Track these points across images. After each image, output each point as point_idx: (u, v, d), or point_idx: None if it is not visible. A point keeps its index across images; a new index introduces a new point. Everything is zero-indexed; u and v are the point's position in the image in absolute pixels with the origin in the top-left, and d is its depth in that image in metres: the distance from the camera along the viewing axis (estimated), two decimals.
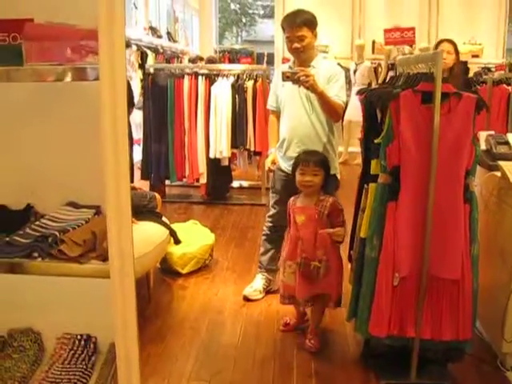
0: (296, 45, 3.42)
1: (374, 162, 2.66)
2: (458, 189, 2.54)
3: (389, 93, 2.58)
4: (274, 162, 3.73)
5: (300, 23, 3.39)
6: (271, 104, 3.78)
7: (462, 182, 2.55)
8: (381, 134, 2.60)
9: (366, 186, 2.79)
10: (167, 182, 6.66)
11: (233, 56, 12.87)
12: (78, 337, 2.35)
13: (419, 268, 2.59)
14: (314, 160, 3.09)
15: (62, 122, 2.18)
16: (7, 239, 1.81)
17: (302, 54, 3.47)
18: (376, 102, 2.65)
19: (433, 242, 2.55)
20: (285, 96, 3.60)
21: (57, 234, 1.78)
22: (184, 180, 6.52)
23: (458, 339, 2.67)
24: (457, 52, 4.26)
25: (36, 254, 1.75)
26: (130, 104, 6.46)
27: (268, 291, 3.85)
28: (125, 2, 1.53)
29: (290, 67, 3.55)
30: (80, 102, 2.04)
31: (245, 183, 7.41)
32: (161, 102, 6.20)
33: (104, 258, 1.69)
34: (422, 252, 2.57)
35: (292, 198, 3.24)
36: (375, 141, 2.63)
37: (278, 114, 3.73)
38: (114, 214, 1.62)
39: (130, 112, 6.53)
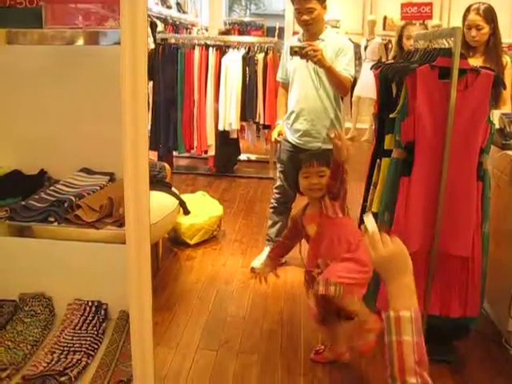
0: (305, 17, 3.39)
1: (388, 137, 2.65)
2: (471, 166, 2.53)
3: (405, 68, 2.55)
4: (280, 133, 3.76)
5: None
6: (280, 76, 3.80)
7: (476, 159, 2.53)
8: (396, 109, 2.58)
9: (378, 160, 2.78)
10: (175, 153, 6.65)
11: (243, 28, 12.73)
12: (89, 303, 2.37)
13: (429, 244, 2.59)
14: (318, 159, 2.68)
15: (77, 88, 2.17)
16: (23, 203, 1.82)
17: (311, 27, 3.44)
18: (392, 76, 2.63)
19: (444, 218, 2.55)
20: (293, 69, 3.60)
21: (73, 198, 1.78)
22: (192, 152, 6.51)
23: (465, 316, 2.68)
24: (490, 20, 3.48)
25: (52, 219, 1.75)
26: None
27: None
28: None
29: (299, 40, 3.53)
30: (96, 68, 2.03)
31: (253, 156, 7.40)
32: (171, 72, 6.16)
33: (120, 223, 1.69)
34: (433, 228, 2.57)
35: (298, 212, 2.86)
36: (390, 116, 2.61)
37: (286, 86, 3.74)
38: (132, 180, 1.61)
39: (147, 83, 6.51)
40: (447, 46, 2.48)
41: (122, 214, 1.67)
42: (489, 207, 2.63)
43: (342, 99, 3.73)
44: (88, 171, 2.17)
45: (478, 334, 2.94)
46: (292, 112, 3.64)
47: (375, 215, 2.71)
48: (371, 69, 3.00)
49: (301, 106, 3.57)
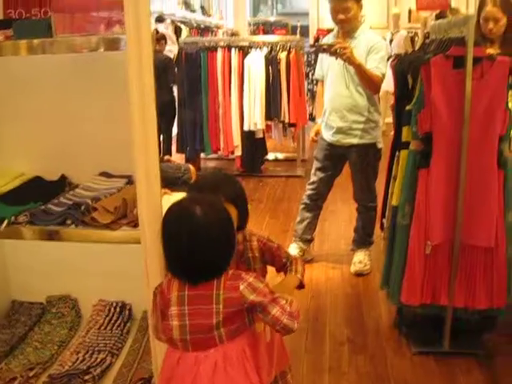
0: (341, 16, 3.39)
1: (405, 129, 2.63)
2: (491, 155, 2.49)
3: (419, 58, 2.53)
4: (317, 133, 3.78)
5: None
6: (318, 73, 3.84)
7: (496, 148, 2.49)
8: (412, 101, 2.57)
9: (397, 153, 2.77)
10: (202, 155, 6.71)
11: (267, 28, 12.75)
12: (114, 304, 2.43)
13: (452, 235, 2.57)
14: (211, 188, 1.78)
15: (94, 94, 2.23)
16: (43, 207, 1.88)
17: (347, 25, 3.44)
18: (407, 67, 2.62)
19: (465, 209, 2.52)
20: (327, 66, 3.62)
21: (89, 201, 1.83)
22: (219, 153, 6.56)
23: (491, 307, 2.65)
24: (507, 11, 3.29)
25: (69, 222, 1.81)
26: (173, 80, 6.50)
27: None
28: None
29: (334, 37, 3.55)
30: (111, 73, 2.07)
31: (280, 155, 7.40)
32: (194, 75, 6.20)
33: (135, 224, 1.73)
34: (455, 219, 2.54)
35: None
36: (407, 107, 2.59)
37: (323, 83, 3.76)
38: (144, 180, 1.65)
39: (172, 87, 6.58)
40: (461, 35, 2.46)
41: (136, 215, 1.71)
42: (511, 196, 2.59)
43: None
44: (107, 175, 2.22)
45: (508, 327, 2.89)
46: (326, 109, 3.67)
47: (395, 208, 2.70)
48: (387, 60, 2.99)
49: (333, 103, 3.59)
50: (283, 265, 1.96)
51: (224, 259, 1.59)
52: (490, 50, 3.05)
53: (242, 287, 1.53)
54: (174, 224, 1.55)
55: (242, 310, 1.56)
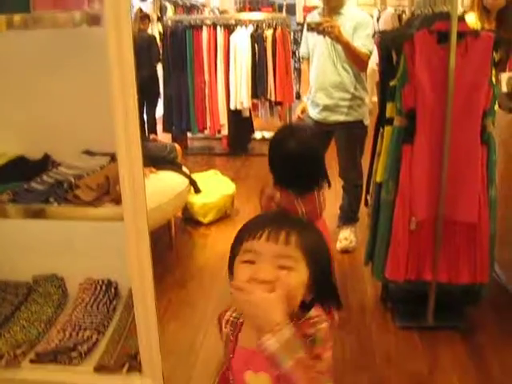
0: None
1: (389, 105, 2.63)
2: (474, 130, 2.50)
3: (403, 33, 2.53)
4: (303, 111, 3.77)
5: None
6: (303, 51, 3.81)
7: (479, 123, 2.50)
8: (396, 77, 2.57)
9: (381, 129, 2.77)
10: (189, 134, 6.68)
11: (253, 6, 12.64)
12: (100, 282, 2.42)
13: (435, 211, 2.59)
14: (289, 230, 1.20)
15: (76, 71, 2.19)
16: (25, 186, 1.87)
17: (332, 2, 3.42)
18: (391, 43, 2.61)
19: (449, 184, 2.54)
20: (313, 44, 3.60)
21: (72, 179, 1.82)
22: (206, 132, 6.54)
23: (474, 282, 2.68)
24: None
25: (52, 200, 1.80)
26: (157, 58, 6.44)
27: None
28: None
29: (319, 14, 3.53)
30: (93, 51, 2.04)
31: (267, 134, 7.38)
32: (180, 54, 6.17)
33: (118, 201, 1.73)
34: (439, 195, 2.56)
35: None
36: (390, 83, 2.59)
37: (309, 61, 3.74)
38: (125, 156, 1.64)
39: (155, 66, 6.54)
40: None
41: (118, 192, 1.71)
42: (495, 171, 2.60)
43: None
44: (90, 153, 2.20)
45: (490, 301, 2.93)
46: (312, 87, 3.66)
47: (380, 185, 2.71)
48: (372, 37, 2.98)
49: (320, 80, 3.58)
50: None
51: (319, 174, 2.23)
52: (486, 25, 3.05)
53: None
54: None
55: None
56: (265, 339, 1.05)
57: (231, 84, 6.10)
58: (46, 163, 2.19)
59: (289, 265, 1.13)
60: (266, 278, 1.11)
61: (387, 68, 2.73)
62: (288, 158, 2.17)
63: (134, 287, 1.78)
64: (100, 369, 1.97)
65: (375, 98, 8.98)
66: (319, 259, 1.18)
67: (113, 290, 2.41)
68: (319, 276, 1.17)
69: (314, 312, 1.18)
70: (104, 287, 2.41)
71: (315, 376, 1.06)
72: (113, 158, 2.11)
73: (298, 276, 1.14)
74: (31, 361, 2.05)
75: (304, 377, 1.04)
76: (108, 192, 1.78)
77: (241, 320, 1.31)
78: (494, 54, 2.47)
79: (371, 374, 2.48)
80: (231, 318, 1.37)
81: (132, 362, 1.98)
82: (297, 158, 2.15)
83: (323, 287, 1.20)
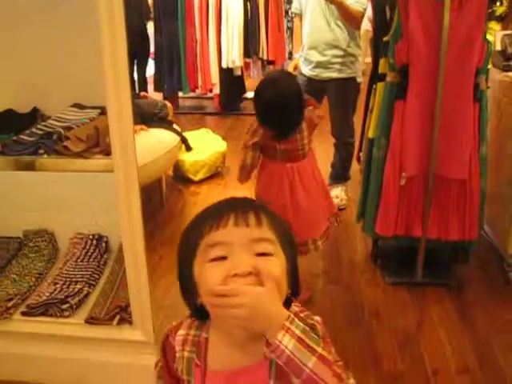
0: None
1: (382, 61, 2.60)
2: (467, 87, 2.48)
3: None
4: (295, 68, 3.75)
5: None
6: (295, 7, 3.75)
7: (472, 80, 2.48)
8: (390, 32, 2.53)
9: (374, 85, 2.75)
10: (181, 93, 6.62)
11: None
12: (90, 236, 2.44)
13: (426, 168, 2.59)
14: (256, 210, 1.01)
15: (66, 26, 2.16)
16: (15, 138, 1.85)
17: None
18: None
19: (440, 141, 2.53)
20: (305, 1, 3.54)
21: (61, 131, 1.81)
22: (197, 91, 6.47)
23: (464, 239, 2.70)
24: None
25: (42, 151, 1.79)
26: (147, 16, 6.32)
27: None
28: None
29: None
30: (83, 2, 2.01)
31: None
32: (171, 11, 6.05)
33: (107, 152, 1.72)
34: (430, 151, 2.56)
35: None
36: (384, 39, 2.56)
37: (301, 17, 3.70)
38: (115, 108, 1.63)
39: (145, 24, 6.42)
40: None
41: (108, 143, 1.70)
42: (486, 129, 2.60)
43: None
44: (80, 106, 2.19)
45: (479, 258, 2.96)
46: (305, 44, 3.62)
47: (372, 141, 2.70)
48: None
49: (313, 37, 3.54)
50: None
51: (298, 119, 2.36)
52: None
53: None
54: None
55: None
56: (277, 340, 0.85)
57: (223, 42, 6.01)
58: (35, 116, 2.18)
59: (268, 250, 0.93)
60: (247, 271, 0.89)
61: (381, 23, 2.69)
62: (267, 107, 2.34)
63: (124, 238, 1.79)
64: (91, 321, 2.00)
65: (369, 59, 8.92)
66: (290, 241, 1.01)
67: (103, 244, 2.43)
68: (292, 261, 0.98)
69: (296, 308, 0.98)
70: (95, 241, 2.42)
71: (339, 372, 0.89)
72: (103, 111, 2.10)
73: (279, 261, 0.94)
74: (22, 313, 2.07)
75: (330, 374, 0.87)
76: (98, 144, 1.77)
77: (204, 335, 1.01)
78: (496, 8, 2.44)
79: (361, 328, 2.51)
80: (190, 337, 1.03)
81: (123, 313, 2.00)
82: (275, 108, 2.31)
83: (294, 274, 1.00)
